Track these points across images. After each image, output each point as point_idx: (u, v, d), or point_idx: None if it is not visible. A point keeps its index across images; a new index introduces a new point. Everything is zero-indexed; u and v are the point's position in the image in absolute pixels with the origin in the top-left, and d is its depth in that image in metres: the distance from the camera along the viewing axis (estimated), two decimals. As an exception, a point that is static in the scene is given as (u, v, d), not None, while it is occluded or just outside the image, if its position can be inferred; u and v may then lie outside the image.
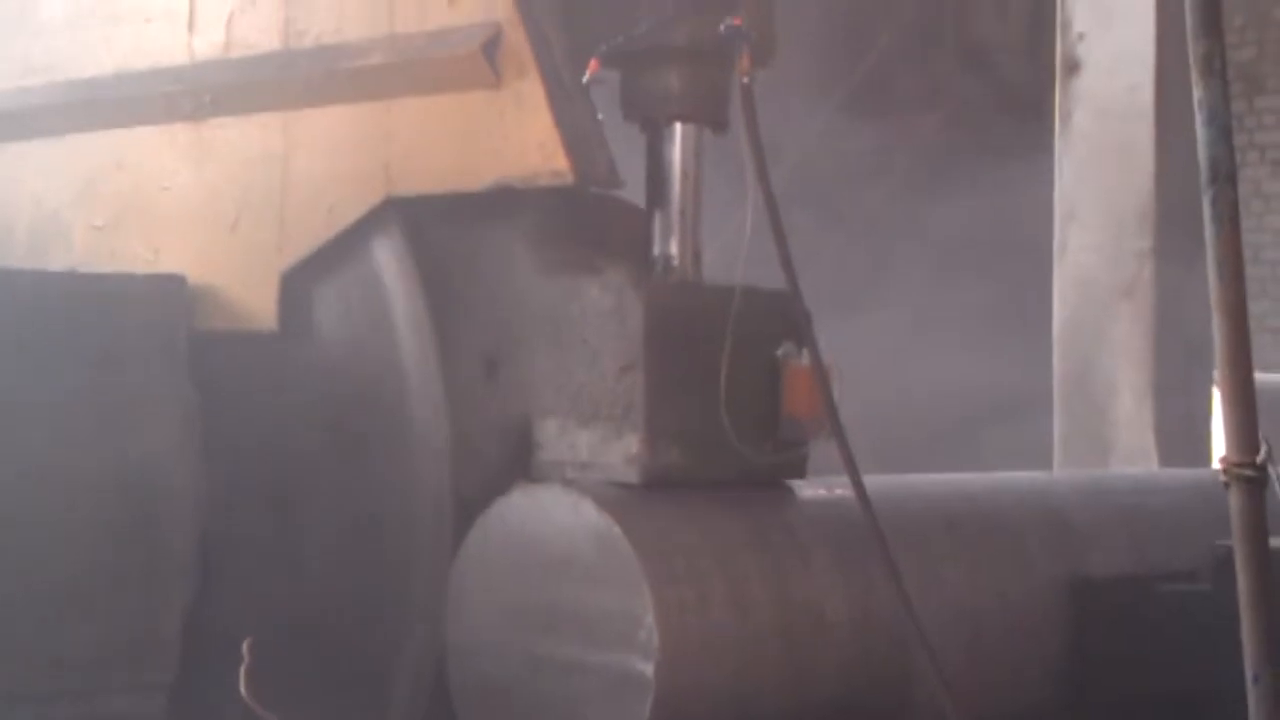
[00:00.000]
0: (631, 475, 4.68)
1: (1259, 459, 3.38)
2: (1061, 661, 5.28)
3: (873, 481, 4.74)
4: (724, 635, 4.53)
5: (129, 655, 5.15)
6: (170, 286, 5.39)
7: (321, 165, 5.23)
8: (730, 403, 4.73)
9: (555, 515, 4.65)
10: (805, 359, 4.81)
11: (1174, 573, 5.44)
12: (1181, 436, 8.15)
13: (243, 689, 3.72)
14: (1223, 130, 3.48)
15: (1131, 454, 8.22)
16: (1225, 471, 3.40)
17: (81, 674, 5.06)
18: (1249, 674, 3.38)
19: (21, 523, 4.95)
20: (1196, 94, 3.51)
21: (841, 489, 4.78)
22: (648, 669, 4.40)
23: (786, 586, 4.69)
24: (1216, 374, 3.49)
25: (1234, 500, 3.40)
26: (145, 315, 5.30)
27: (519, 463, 4.90)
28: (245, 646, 3.75)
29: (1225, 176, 3.46)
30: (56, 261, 5.76)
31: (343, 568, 5.17)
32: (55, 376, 5.08)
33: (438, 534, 4.94)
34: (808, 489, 4.98)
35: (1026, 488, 5.78)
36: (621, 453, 4.70)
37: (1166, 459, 8.15)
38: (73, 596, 5.04)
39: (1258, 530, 3.41)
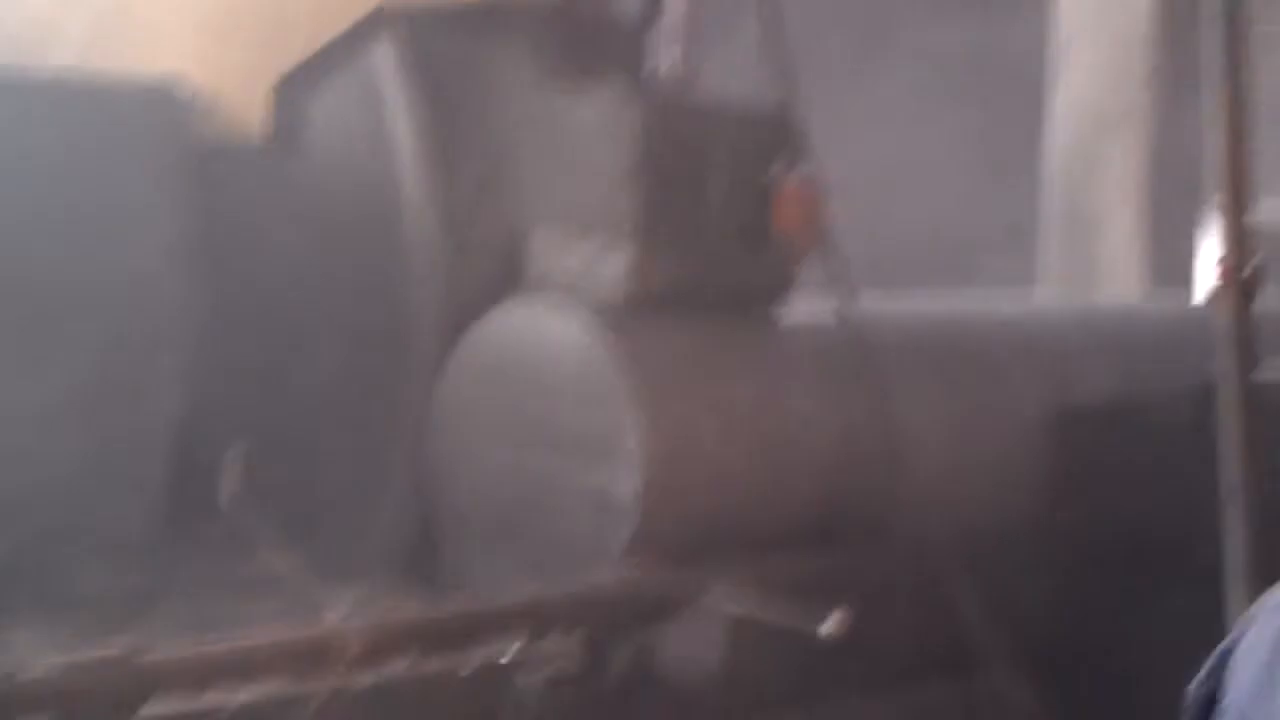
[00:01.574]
0: (621, 291, 4.68)
1: (1251, 266, 3.40)
2: (1043, 488, 5.32)
3: (862, 304, 4.75)
4: (709, 454, 4.56)
5: (120, 470, 5.16)
6: (166, 94, 5.33)
7: (314, -29, 5.17)
8: (723, 220, 4.72)
9: (544, 330, 4.66)
10: (798, 176, 4.80)
11: (1159, 402, 5.46)
12: (1172, 267, 8.16)
13: (222, 502, 3.74)
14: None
15: (1122, 284, 8.23)
16: (1220, 277, 3.42)
17: (69, 487, 5.07)
18: (1226, 489, 3.43)
19: (9, 334, 4.94)
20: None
21: (831, 309, 4.79)
22: (630, 487, 4.43)
23: (773, 406, 4.72)
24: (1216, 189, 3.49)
25: (1224, 307, 3.43)
26: (141, 122, 5.25)
27: (511, 278, 4.90)
28: (226, 459, 3.76)
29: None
30: (44, 66, 5.69)
31: (334, 383, 5.18)
32: (46, 185, 5.04)
33: (430, 349, 4.95)
34: (797, 310, 4.98)
35: (1013, 314, 5.80)
36: (612, 268, 4.70)
37: (1159, 282, 8.17)
38: (60, 409, 5.04)
39: (1245, 339, 3.44)
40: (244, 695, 3.64)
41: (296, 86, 5.22)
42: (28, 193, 4.95)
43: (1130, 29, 8.04)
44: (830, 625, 3.96)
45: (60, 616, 4.23)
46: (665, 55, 4.95)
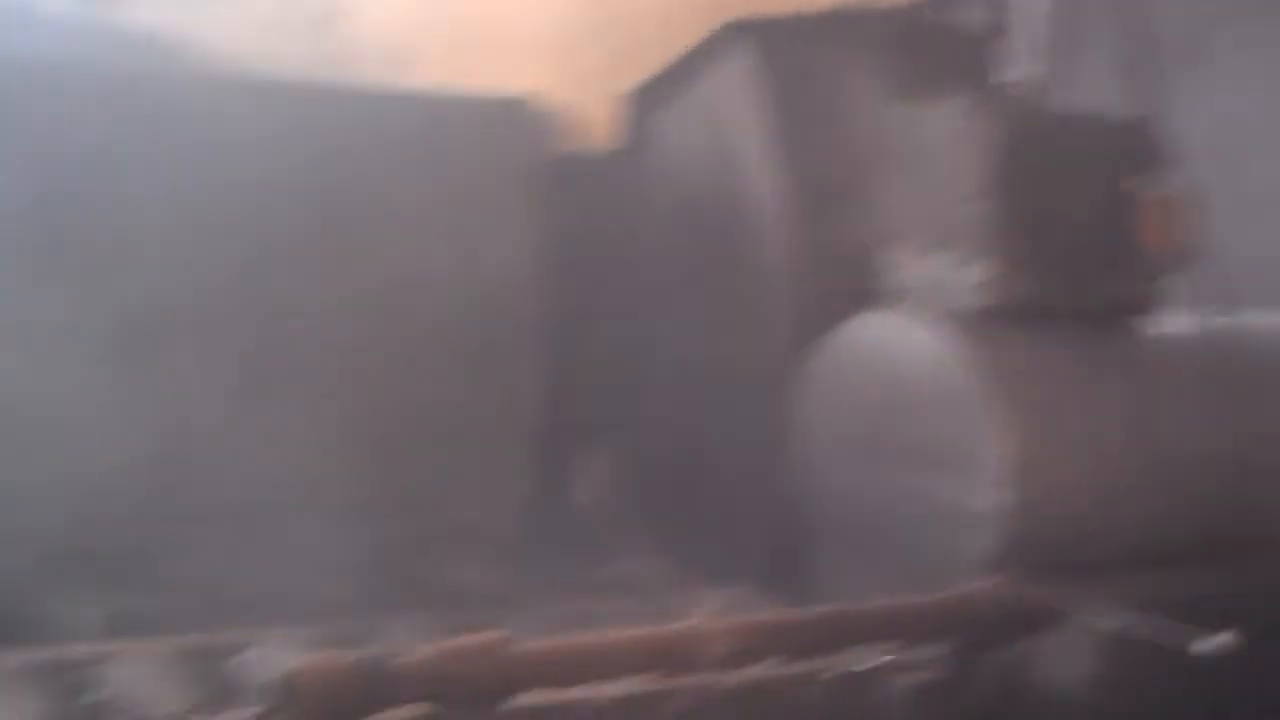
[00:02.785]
0: (979, 302, 4.59)
1: None
2: None
3: (1231, 319, 4.59)
4: (1071, 466, 4.43)
5: (485, 473, 5.24)
6: (520, 108, 5.42)
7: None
8: (1083, 231, 4.60)
9: (901, 341, 4.59)
10: (1161, 189, 4.65)
11: None
12: None
13: (581, 493, 3.76)
14: None
15: None
16: None
17: (436, 490, 5.16)
18: None
19: (373, 346, 5.05)
20: None
21: (1195, 325, 4.63)
22: (991, 499, 4.33)
23: (1137, 419, 4.56)
24: None
25: None
26: (497, 134, 5.34)
27: (865, 290, 4.85)
28: (584, 453, 3.78)
29: None
30: (405, 84, 5.83)
31: (692, 389, 5.19)
32: (409, 197, 5.16)
33: (785, 360, 4.92)
34: (1160, 323, 4.82)
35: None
36: (969, 279, 4.61)
37: None
38: (423, 418, 5.14)
39: None
40: (610, 690, 3.64)
41: (647, 98, 5.27)
42: (395, 202, 5.07)
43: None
44: (1211, 645, 3.79)
45: (430, 610, 4.30)
46: (1019, 65, 4.85)
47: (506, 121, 5.35)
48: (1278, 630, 4.19)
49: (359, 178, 5.05)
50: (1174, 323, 4.78)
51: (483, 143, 5.30)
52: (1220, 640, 3.75)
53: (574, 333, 5.31)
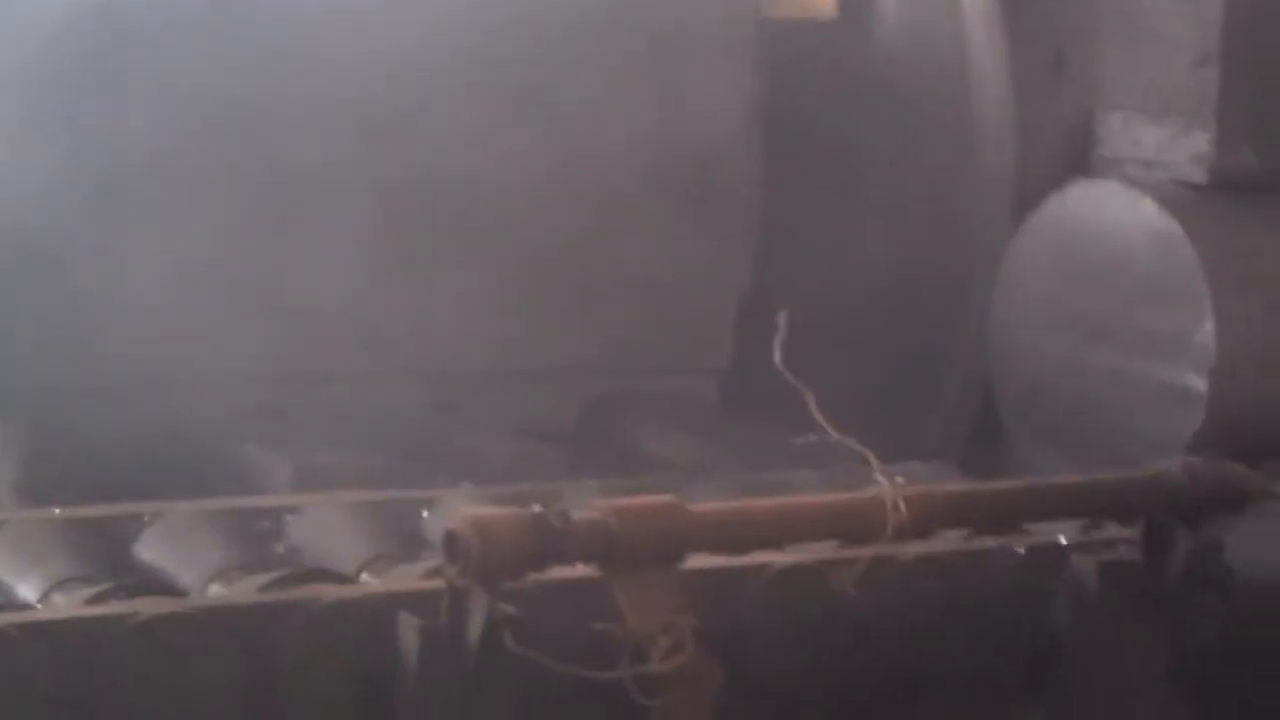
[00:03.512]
0: (1199, 175, 4.46)
1: None
2: None
3: None
4: (1287, 349, 4.30)
5: (686, 339, 5.27)
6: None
7: None
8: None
9: (1112, 214, 4.49)
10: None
11: None
12: None
13: (776, 359, 3.72)
14: None
15: None
16: None
17: (636, 354, 5.21)
18: None
19: (580, 200, 5.08)
20: None
21: None
22: (1201, 383, 4.22)
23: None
24: None
25: None
26: (711, 1, 5.31)
27: (1080, 159, 4.73)
28: (780, 318, 3.74)
29: None
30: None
31: (899, 260, 5.14)
32: (620, 57, 5.15)
33: (997, 230, 4.84)
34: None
35: None
36: (1189, 151, 4.48)
37: None
38: (630, 278, 5.17)
39: None
40: (785, 559, 3.64)
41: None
42: (604, 57, 5.08)
43: None
44: None
45: (618, 476, 4.33)
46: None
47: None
48: None
49: (566, 27, 5.05)
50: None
51: (701, 10, 5.27)
52: None
53: (782, 198, 5.28)
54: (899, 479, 4.02)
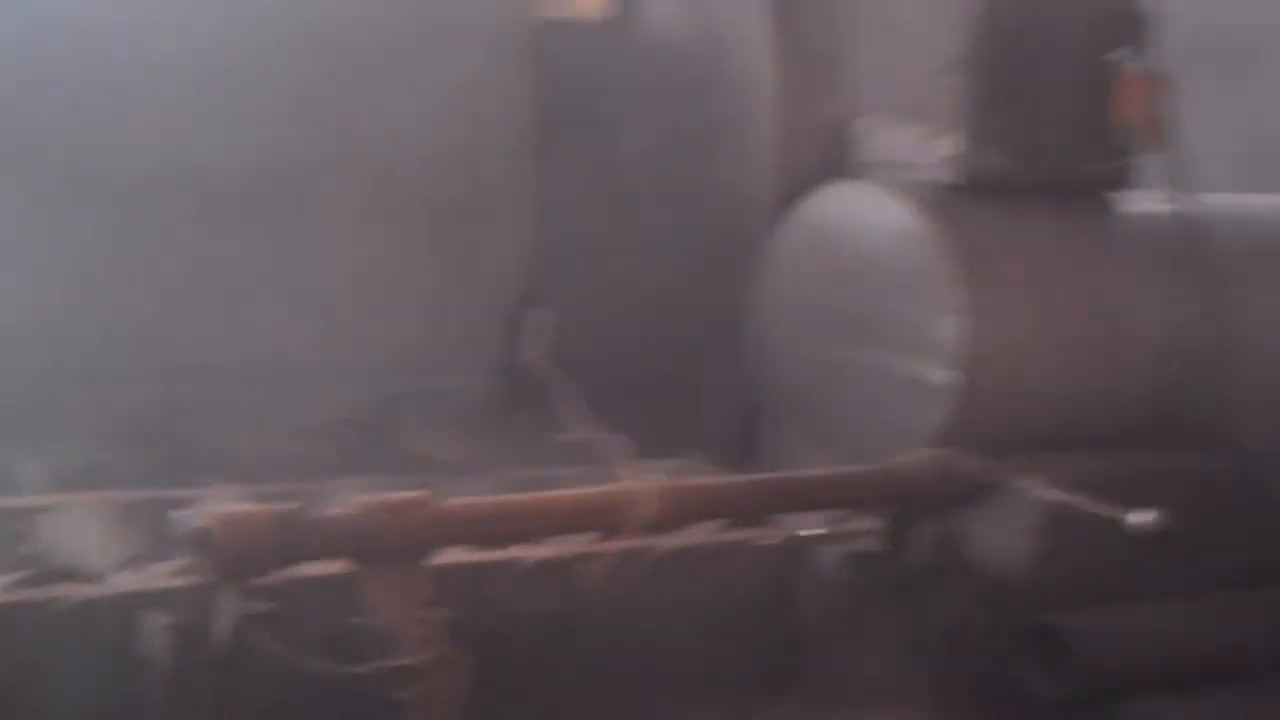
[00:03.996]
0: (948, 176, 4.59)
1: None
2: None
3: (1206, 202, 4.56)
4: (1028, 343, 4.45)
5: (459, 339, 5.32)
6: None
7: None
8: (1057, 107, 4.58)
9: (865, 213, 4.61)
10: (1141, 66, 4.62)
11: None
12: None
13: (531, 360, 3.81)
14: None
15: None
16: None
17: (410, 354, 5.25)
18: None
19: (358, 202, 5.12)
20: None
21: (1163, 205, 4.62)
22: (945, 373, 4.36)
23: (1097, 297, 4.57)
24: None
25: None
26: (484, 2, 5.37)
27: (838, 160, 4.86)
28: (536, 320, 3.83)
29: None
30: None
31: (668, 260, 5.24)
32: (397, 58, 5.19)
33: (760, 229, 4.94)
34: (1134, 202, 4.81)
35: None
36: (941, 155, 4.61)
37: None
38: (408, 278, 5.22)
39: None
40: (540, 551, 3.72)
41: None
42: (385, 62, 5.12)
43: None
44: (1140, 518, 3.82)
45: (386, 474, 4.37)
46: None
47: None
48: (1211, 508, 4.24)
49: (349, 38, 5.09)
50: (1144, 202, 4.76)
51: (472, 8, 5.33)
52: (1150, 516, 3.79)
53: (556, 199, 5.36)
54: (658, 474, 4.14)
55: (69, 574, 3.33)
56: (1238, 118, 8.33)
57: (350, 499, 3.45)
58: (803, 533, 3.98)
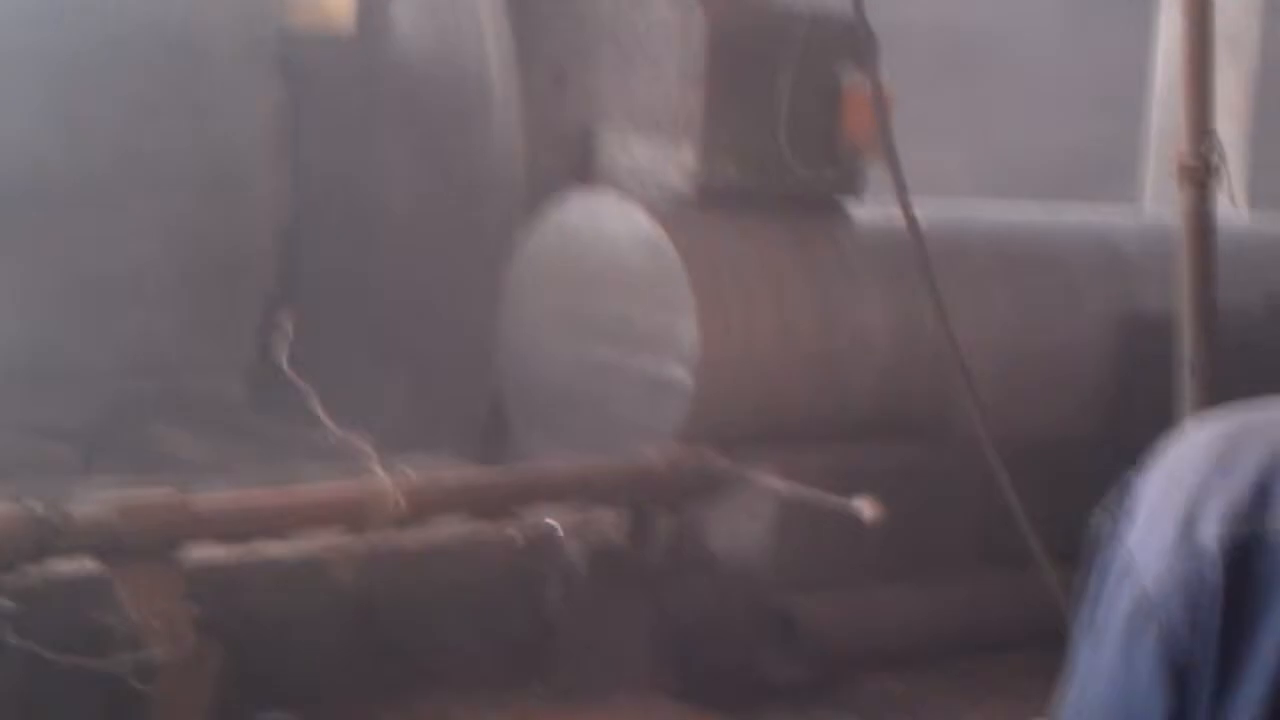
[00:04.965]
0: (685, 187, 4.78)
1: (1209, 157, 3.44)
2: (1104, 396, 5.35)
3: (929, 209, 4.81)
4: (763, 345, 4.66)
5: (211, 339, 5.37)
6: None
7: None
8: (789, 122, 4.80)
9: (608, 221, 4.78)
10: (867, 80, 4.85)
11: (1227, 312, 5.44)
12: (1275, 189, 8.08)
13: (282, 361, 3.90)
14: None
15: (1222, 205, 8.17)
16: (1178, 169, 3.46)
17: (161, 355, 5.28)
18: (1186, 364, 3.48)
19: (106, 206, 5.14)
20: None
21: (893, 213, 4.85)
22: (685, 373, 4.54)
23: (831, 304, 4.80)
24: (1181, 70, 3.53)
25: (1183, 197, 3.49)
26: (235, 9, 5.43)
27: (583, 170, 5.02)
28: (284, 320, 3.92)
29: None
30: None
31: (417, 261, 5.34)
32: (144, 67, 5.23)
33: (509, 234, 5.07)
34: (862, 212, 5.05)
35: (1084, 224, 5.81)
36: (677, 164, 4.80)
37: (1257, 213, 8.10)
38: (157, 280, 5.25)
39: (1203, 226, 3.51)
40: (288, 547, 3.81)
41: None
42: (130, 74, 5.15)
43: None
44: (865, 506, 4.04)
45: (135, 474, 4.41)
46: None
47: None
48: (936, 496, 4.50)
49: (99, 47, 5.11)
50: (871, 210, 5.01)
51: (221, 21, 5.38)
52: (873, 504, 4.01)
53: (306, 208, 5.44)
54: (407, 470, 4.25)
55: None
56: (970, 125, 8.74)
57: (97, 497, 3.52)
58: (546, 525, 4.11)
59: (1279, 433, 1.33)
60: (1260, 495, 1.23)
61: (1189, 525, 1.21)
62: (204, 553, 3.65)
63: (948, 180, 7.16)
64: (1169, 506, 1.26)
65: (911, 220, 4.67)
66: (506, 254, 5.04)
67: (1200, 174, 3.44)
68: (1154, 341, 5.33)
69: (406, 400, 5.21)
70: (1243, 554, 1.17)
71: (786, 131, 4.80)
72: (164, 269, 5.25)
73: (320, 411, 4.00)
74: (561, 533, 4.14)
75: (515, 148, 5.10)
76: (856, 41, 4.81)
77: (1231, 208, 7.68)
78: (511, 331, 5.00)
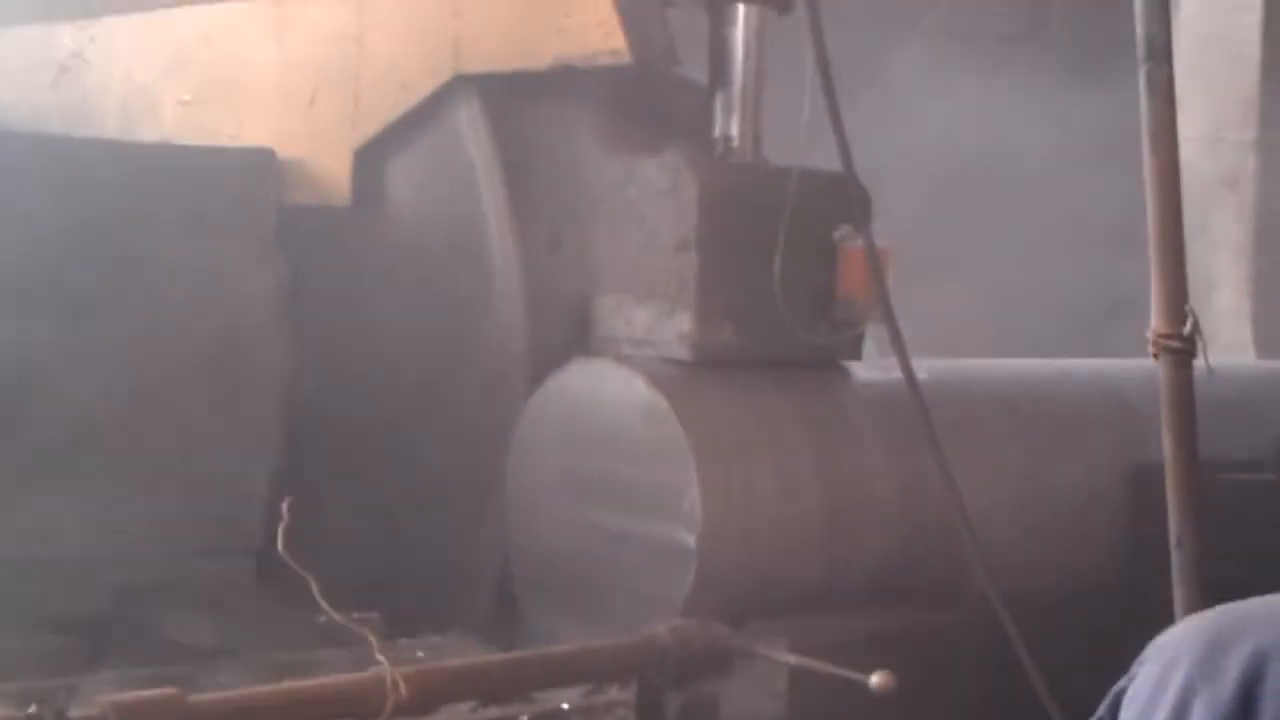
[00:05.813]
0: (683, 353, 4.77)
1: (1185, 330, 3.40)
2: (1117, 548, 5.31)
3: (931, 366, 4.79)
4: (768, 512, 4.63)
5: (217, 522, 5.33)
6: (260, 159, 5.55)
7: (394, 44, 5.35)
8: (785, 283, 4.79)
9: (608, 389, 4.76)
10: (861, 241, 4.85)
11: (1238, 461, 5.43)
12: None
13: (279, 546, 3.86)
14: (1160, 5, 3.48)
15: (1230, 347, 8.16)
16: (1153, 344, 3.43)
17: (169, 539, 5.25)
18: (1173, 539, 3.43)
19: (114, 391, 5.13)
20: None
21: (895, 370, 4.83)
22: (690, 541, 4.51)
23: (835, 467, 4.77)
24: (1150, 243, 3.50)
25: (1162, 371, 3.45)
26: (235, 188, 5.46)
27: (582, 337, 5.02)
28: (284, 506, 3.88)
29: (1160, 52, 3.48)
30: (147, 134, 5.93)
31: (418, 432, 5.33)
32: (148, 247, 5.24)
33: (511, 404, 5.06)
34: (862, 371, 5.04)
35: (1090, 373, 5.79)
36: (674, 330, 4.80)
37: (1265, 351, 8.09)
38: (162, 463, 5.23)
39: (1184, 401, 3.46)
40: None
41: (379, 150, 5.40)
42: (138, 252, 5.17)
43: (1232, 94, 8.02)
44: (877, 679, 3.98)
45: (142, 665, 4.37)
46: (731, 121, 5.04)
47: (252, 173, 5.48)
48: (944, 663, 4.44)
49: (102, 229, 5.13)
50: (872, 372, 5.00)
51: (223, 196, 5.41)
52: (881, 674, 3.95)
53: (311, 384, 5.43)
54: (416, 653, 4.20)
55: None
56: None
57: (99, 697, 3.47)
58: (558, 708, 4.06)
59: (1265, 629, 1.34)
60: (1243, 702, 1.25)
61: None
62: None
63: (955, 316, 7.15)
64: (1156, 710, 1.28)
65: (913, 383, 4.66)
66: (511, 426, 5.02)
67: (1177, 349, 3.40)
68: (1164, 490, 5.32)
69: (416, 576, 5.17)
70: None
71: (782, 293, 4.79)
72: (167, 447, 5.23)
73: (320, 598, 3.96)
74: (572, 713, 4.09)
75: (517, 317, 5.09)
76: (851, 202, 4.82)
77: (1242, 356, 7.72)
78: (518, 501, 4.97)
